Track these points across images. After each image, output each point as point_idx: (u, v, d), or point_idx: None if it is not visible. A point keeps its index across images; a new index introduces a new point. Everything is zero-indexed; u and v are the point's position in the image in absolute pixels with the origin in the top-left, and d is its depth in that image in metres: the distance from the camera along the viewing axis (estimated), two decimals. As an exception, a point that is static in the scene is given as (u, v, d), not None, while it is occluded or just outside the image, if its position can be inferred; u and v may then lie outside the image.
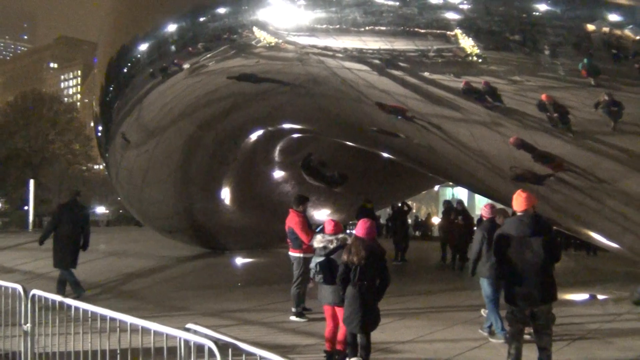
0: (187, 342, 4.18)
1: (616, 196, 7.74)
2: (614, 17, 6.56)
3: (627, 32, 6.42)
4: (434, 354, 6.64)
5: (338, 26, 8.87)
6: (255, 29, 9.91)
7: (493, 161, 8.91)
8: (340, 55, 9.13)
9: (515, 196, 5.83)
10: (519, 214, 5.77)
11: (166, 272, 13.13)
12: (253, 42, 10.13)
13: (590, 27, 6.60)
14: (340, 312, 6.03)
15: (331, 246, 6.24)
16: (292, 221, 8.42)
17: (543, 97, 7.39)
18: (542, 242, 5.49)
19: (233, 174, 15.14)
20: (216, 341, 3.90)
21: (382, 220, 24.79)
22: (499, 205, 10.29)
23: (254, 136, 14.26)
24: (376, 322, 5.80)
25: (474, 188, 12.62)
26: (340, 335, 6.14)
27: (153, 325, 4.48)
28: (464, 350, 6.70)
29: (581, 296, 10.07)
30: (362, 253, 5.62)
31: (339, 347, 6.17)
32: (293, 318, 8.34)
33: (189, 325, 4.24)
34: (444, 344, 7.02)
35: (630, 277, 11.64)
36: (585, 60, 6.67)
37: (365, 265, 5.62)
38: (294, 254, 8.48)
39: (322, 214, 16.79)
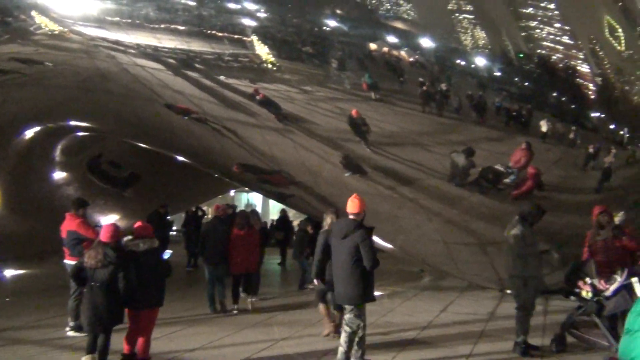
0: None
1: (390, 201, 8.55)
2: (392, 39, 7.26)
3: (403, 53, 7.16)
4: (223, 359, 6.58)
5: (130, 20, 8.40)
6: (34, 13, 8.92)
7: (284, 167, 9.21)
8: (132, 51, 8.67)
9: (350, 199, 5.98)
10: (350, 216, 5.95)
11: None
12: (32, 28, 9.11)
13: (372, 45, 7.23)
14: (146, 315, 6.00)
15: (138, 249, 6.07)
16: (71, 224, 7.66)
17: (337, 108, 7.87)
18: (353, 246, 5.74)
19: (3, 173, 13.40)
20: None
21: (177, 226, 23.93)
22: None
23: (30, 133, 12.82)
24: (103, 323, 5.82)
25: (267, 193, 12.94)
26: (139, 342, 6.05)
27: None
28: (252, 353, 6.75)
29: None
30: (100, 256, 5.82)
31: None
32: (70, 333, 7.60)
33: None
34: (232, 348, 7.00)
35: (402, 275, 12.99)
36: (366, 75, 7.29)
37: (101, 268, 5.81)
38: (71, 262, 7.73)
39: (110, 219, 15.72)
